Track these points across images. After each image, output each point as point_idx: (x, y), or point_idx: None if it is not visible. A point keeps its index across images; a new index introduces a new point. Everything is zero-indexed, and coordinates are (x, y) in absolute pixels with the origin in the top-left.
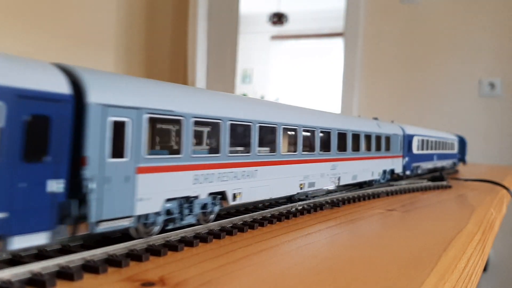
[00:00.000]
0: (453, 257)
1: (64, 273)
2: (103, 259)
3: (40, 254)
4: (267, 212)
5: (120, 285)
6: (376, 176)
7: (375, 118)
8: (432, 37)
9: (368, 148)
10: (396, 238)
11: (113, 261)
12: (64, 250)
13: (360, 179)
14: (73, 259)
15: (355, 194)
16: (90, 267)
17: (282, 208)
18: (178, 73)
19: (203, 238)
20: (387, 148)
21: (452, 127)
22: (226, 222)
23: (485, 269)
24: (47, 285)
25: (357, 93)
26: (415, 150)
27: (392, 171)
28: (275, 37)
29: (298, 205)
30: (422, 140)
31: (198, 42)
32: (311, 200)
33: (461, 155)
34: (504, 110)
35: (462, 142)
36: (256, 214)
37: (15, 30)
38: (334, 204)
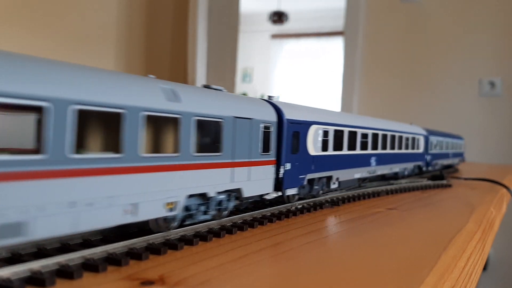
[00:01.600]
0: (453, 256)
1: (64, 272)
2: (102, 257)
3: (40, 252)
4: (267, 211)
5: (120, 283)
6: (165, 211)
7: (207, 86)
8: (432, 36)
9: (129, 150)
10: (396, 237)
11: (113, 260)
12: (64, 248)
13: (88, 224)
14: (73, 257)
15: (355, 193)
16: (90, 266)
17: (282, 207)
18: (178, 71)
19: (203, 237)
20: (215, 148)
21: (452, 126)
22: (226, 220)
23: (485, 268)
24: (46, 284)
25: (357, 92)
26: (314, 151)
27: (235, 195)
28: (276, 36)
29: (298, 204)
30: (335, 133)
31: (198, 40)
32: (311, 199)
33: (431, 156)
34: (504, 109)
35: (426, 138)
36: (256, 213)
37: (15, 28)
38: (334, 203)
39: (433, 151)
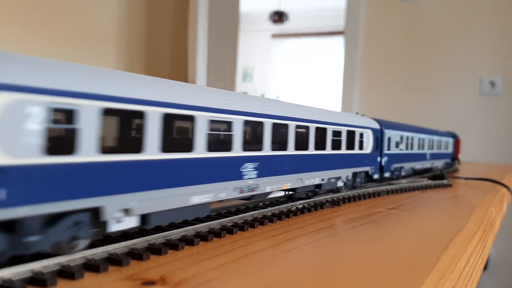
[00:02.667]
0: (453, 256)
1: (65, 272)
2: (104, 258)
3: (41, 253)
4: (268, 211)
5: (121, 284)
6: None
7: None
8: (432, 35)
9: None
10: (397, 237)
11: (114, 260)
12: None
13: None
14: (74, 258)
15: (356, 193)
16: (91, 266)
17: (283, 206)
18: (179, 71)
19: (203, 237)
20: None
21: (452, 125)
22: (226, 220)
23: (485, 268)
24: (48, 284)
25: (358, 91)
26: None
27: None
28: (276, 35)
29: (299, 204)
30: (109, 115)
31: (198, 40)
32: (312, 199)
33: (389, 158)
34: (504, 108)
35: (378, 133)
36: (257, 213)
37: (16, 29)
38: (335, 203)
39: (393, 150)
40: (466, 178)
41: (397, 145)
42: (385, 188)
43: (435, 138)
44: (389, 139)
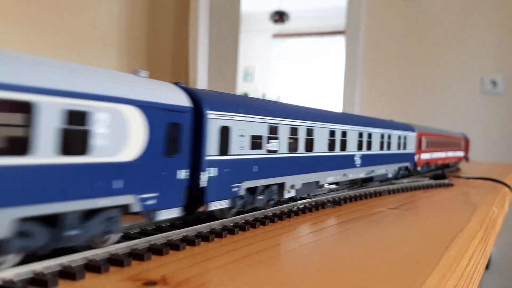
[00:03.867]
0: (455, 255)
1: (66, 273)
2: (105, 258)
3: (42, 253)
4: (269, 211)
5: (122, 284)
6: None
7: None
8: (434, 34)
9: None
10: (398, 237)
11: (115, 261)
12: (66, 249)
13: None
14: (75, 258)
15: (357, 193)
16: (92, 267)
17: (284, 206)
18: (180, 71)
19: (205, 237)
20: None
21: (454, 124)
22: (228, 221)
23: (487, 267)
24: (49, 285)
25: (359, 91)
26: None
27: None
28: (277, 35)
29: (300, 203)
30: None
31: (199, 40)
32: (313, 199)
33: (218, 174)
34: (506, 107)
35: (185, 117)
36: (258, 213)
37: (17, 29)
38: (336, 202)
39: (244, 154)
40: (467, 178)
41: (257, 143)
42: (386, 187)
43: (378, 131)
44: (225, 131)
